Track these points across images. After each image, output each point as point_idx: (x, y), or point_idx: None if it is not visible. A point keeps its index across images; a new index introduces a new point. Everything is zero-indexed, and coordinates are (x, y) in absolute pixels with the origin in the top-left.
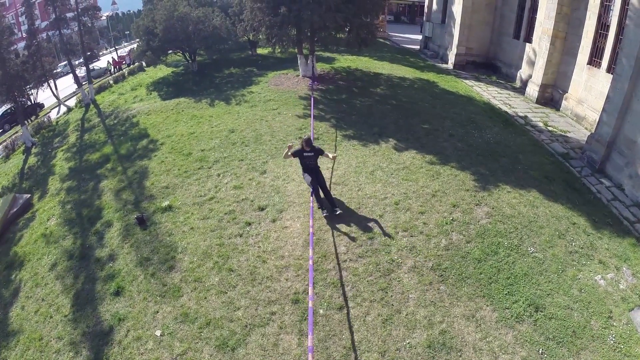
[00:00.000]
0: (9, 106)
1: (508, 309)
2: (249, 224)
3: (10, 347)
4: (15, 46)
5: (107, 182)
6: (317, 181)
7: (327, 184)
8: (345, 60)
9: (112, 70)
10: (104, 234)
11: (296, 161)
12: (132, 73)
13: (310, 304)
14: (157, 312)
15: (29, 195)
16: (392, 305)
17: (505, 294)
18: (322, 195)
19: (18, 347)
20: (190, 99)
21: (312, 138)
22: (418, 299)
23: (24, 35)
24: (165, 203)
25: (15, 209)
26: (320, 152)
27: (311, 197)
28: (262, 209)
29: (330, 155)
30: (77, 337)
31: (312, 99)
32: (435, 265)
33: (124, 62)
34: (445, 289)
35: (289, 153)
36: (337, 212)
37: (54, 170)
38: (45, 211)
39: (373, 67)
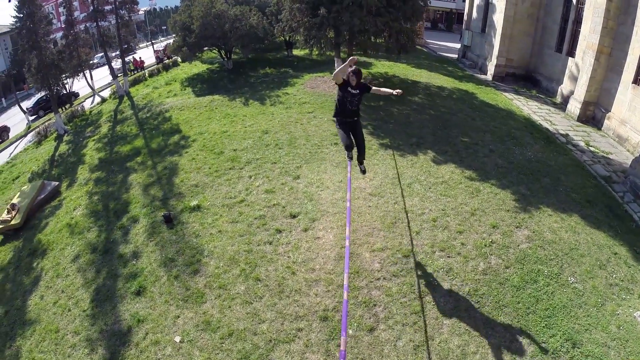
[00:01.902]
0: (44, 93)
1: (545, 343)
2: (280, 231)
3: (26, 336)
4: (54, 36)
5: (136, 176)
6: (353, 141)
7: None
8: (383, 66)
9: (133, 70)
10: (130, 229)
11: (331, 168)
12: (166, 68)
13: (345, 295)
14: (178, 317)
15: (58, 183)
16: (426, 330)
17: (543, 326)
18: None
19: (34, 336)
20: (224, 96)
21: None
22: (452, 325)
23: (63, 25)
24: (194, 202)
25: (43, 196)
26: (366, 90)
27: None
28: (293, 216)
29: (391, 91)
30: (94, 334)
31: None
32: (472, 290)
33: (160, 58)
34: (481, 316)
35: (340, 74)
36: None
37: (84, 160)
38: (72, 200)
39: (411, 75)
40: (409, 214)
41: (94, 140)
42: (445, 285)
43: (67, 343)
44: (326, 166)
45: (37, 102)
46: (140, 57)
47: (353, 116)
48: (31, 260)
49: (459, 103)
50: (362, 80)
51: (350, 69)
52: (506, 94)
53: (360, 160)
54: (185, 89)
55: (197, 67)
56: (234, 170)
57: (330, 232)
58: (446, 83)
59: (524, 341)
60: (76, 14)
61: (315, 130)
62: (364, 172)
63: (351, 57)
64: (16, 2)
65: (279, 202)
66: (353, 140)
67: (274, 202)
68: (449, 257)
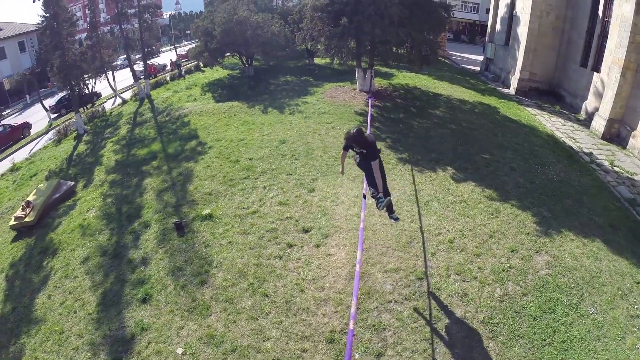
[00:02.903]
0: (67, 92)
1: None
2: (291, 246)
3: (31, 334)
4: (79, 36)
5: (151, 180)
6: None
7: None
8: (404, 77)
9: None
10: (140, 234)
11: (347, 182)
12: (188, 72)
13: (351, 325)
14: (182, 328)
15: (73, 183)
16: (435, 359)
17: None
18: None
19: (38, 336)
20: (243, 103)
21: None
22: (464, 356)
23: (88, 27)
24: (206, 211)
25: (58, 195)
26: (374, 155)
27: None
28: (306, 231)
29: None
30: (97, 339)
31: (369, 115)
32: (487, 318)
33: (177, 65)
34: (495, 347)
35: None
36: (394, 218)
37: (101, 161)
38: (86, 201)
39: (432, 87)
40: (425, 234)
41: (112, 141)
42: (459, 312)
43: (70, 345)
44: (342, 180)
45: (60, 101)
46: (153, 63)
47: (366, 158)
48: (42, 258)
49: (480, 117)
50: (366, 138)
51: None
52: (529, 109)
53: (390, 209)
54: (205, 94)
55: (218, 73)
56: (248, 180)
57: (342, 250)
58: (468, 96)
59: None
60: (103, 15)
61: (333, 142)
62: (395, 219)
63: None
64: (42, 2)
65: (292, 215)
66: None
67: (287, 215)
68: (464, 281)
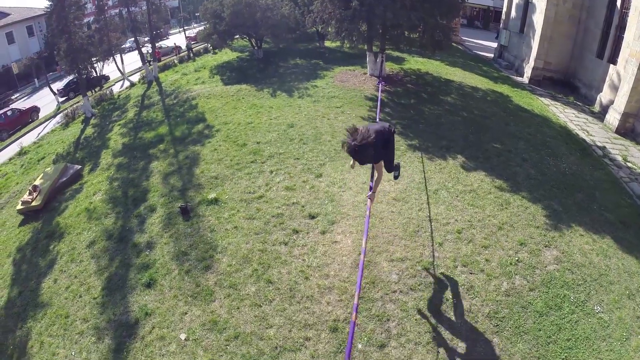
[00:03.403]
0: (75, 76)
1: None
2: (297, 232)
3: (37, 318)
4: (88, 20)
5: (158, 164)
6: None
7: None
8: (416, 62)
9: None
10: (146, 218)
11: (356, 167)
12: (197, 55)
13: (353, 317)
14: (186, 313)
15: (80, 166)
16: (438, 352)
17: (563, 358)
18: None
19: (44, 320)
20: (252, 86)
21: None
22: (467, 349)
23: (95, 10)
24: (212, 195)
25: (64, 178)
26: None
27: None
28: (312, 217)
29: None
30: (102, 323)
31: (379, 101)
32: (492, 312)
33: (178, 50)
34: (499, 342)
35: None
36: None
37: (108, 144)
38: (92, 185)
39: (444, 73)
40: (433, 223)
41: (119, 124)
42: (465, 305)
43: (75, 329)
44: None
45: (68, 84)
46: (162, 46)
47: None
48: (48, 242)
49: (493, 106)
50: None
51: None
52: (542, 99)
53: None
54: (213, 77)
55: (227, 55)
56: (255, 164)
57: (349, 237)
58: (480, 84)
59: None
60: None
61: (342, 127)
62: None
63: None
64: None
65: (298, 200)
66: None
67: (293, 200)
68: (471, 273)
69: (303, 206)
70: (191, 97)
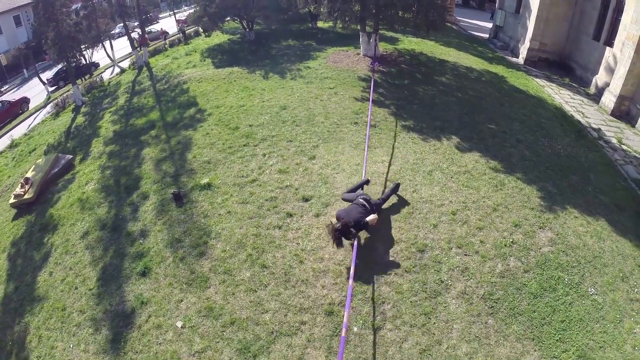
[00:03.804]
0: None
1: (556, 358)
2: (290, 215)
3: (35, 312)
4: (75, 6)
5: (149, 150)
6: None
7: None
8: (410, 43)
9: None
10: (139, 206)
11: (349, 149)
12: (188, 38)
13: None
14: (181, 301)
15: (71, 156)
16: (434, 334)
17: (557, 340)
18: None
19: (41, 314)
20: (243, 69)
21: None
22: (462, 331)
23: None
24: (205, 180)
25: (56, 169)
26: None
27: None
28: (306, 199)
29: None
30: (99, 314)
31: (372, 81)
32: (487, 294)
33: (162, 38)
34: (494, 323)
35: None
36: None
37: (99, 133)
38: (85, 174)
39: (439, 53)
40: (427, 204)
41: (110, 112)
42: (459, 286)
43: (73, 321)
44: (344, 147)
45: (57, 73)
46: (151, 30)
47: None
48: (42, 235)
49: (487, 86)
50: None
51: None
52: (538, 79)
53: None
54: (205, 60)
55: (218, 38)
56: (248, 147)
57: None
58: (475, 64)
59: (535, 354)
60: None
61: (335, 108)
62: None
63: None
64: None
65: (292, 183)
66: None
67: (286, 183)
68: (465, 255)
69: (297, 189)
70: (182, 82)
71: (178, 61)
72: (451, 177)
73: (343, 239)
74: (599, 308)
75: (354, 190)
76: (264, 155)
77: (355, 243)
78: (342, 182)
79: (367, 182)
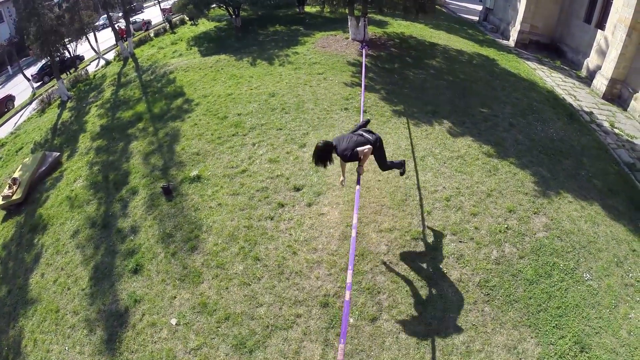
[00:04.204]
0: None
1: (553, 344)
2: (282, 205)
3: (28, 315)
4: (57, 0)
5: (137, 144)
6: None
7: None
8: (399, 26)
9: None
10: (129, 202)
11: (340, 134)
12: (174, 27)
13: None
14: (175, 297)
15: (58, 153)
16: (430, 323)
17: (553, 326)
18: None
19: (35, 316)
20: (230, 56)
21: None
22: (459, 319)
23: None
24: (194, 172)
25: (44, 168)
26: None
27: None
28: (297, 189)
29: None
30: (93, 315)
31: (363, 66)
32: (483, 281)
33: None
34: (490, 311)
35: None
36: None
37: (86, 128)
38: (72, 171)
39: (428, 36)
40: (421, 191)
41: (96, 105)
42: (455, 274)
43: (67, 323)
44: (335, 133)
45: (42, 68)
46: (136, 20)
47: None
48: (32, 236)
49: (478, 69)
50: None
51: None
52: (529, 62)
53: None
54: (191, 49)
55: (204, 25)
56: (237, 137)
57: (335, 209)
58: (466, 47)
59: (532, 341)
60: None
61: (324, 94)
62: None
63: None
64: None
65: (282, 172)
66: None
67: (277, 172)
68: (460, 242)
69: (288, 178)
70: (169, 71)
71: (164, 51)
72: (444, 163)
73: (324, 162)
74: (594, 294)
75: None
76: (254, 144)
77: (358, 187)
78: (333, 171)
79: (367, 122)
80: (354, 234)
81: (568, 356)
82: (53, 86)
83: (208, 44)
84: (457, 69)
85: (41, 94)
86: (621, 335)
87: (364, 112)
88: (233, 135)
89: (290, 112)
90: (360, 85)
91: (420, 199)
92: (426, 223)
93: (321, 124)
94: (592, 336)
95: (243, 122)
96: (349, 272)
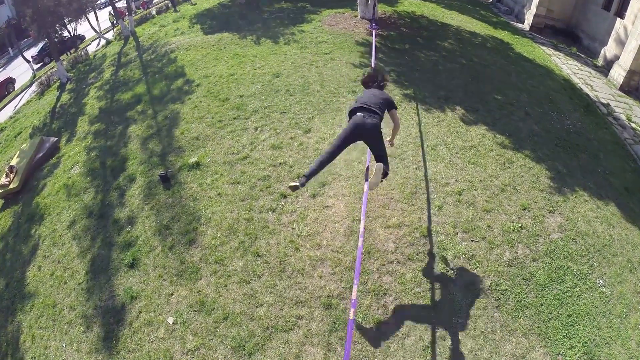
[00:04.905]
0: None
1: (562, 355)
2: (285, 196)
3: (26, 310)
4: None
5: (136, 127)
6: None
7: None
8: (410, 4)
9: (115, 22)
10: (126, 190)
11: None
12: (175, 5)
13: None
14: (172, 294)
15: (56, 138)
16: (437, 329)
17: (563, 335)
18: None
19: (33, 311)
20: (234, 34)
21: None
22: (467, 326)
23: None
24: (193, 159)
25: (41, 154)
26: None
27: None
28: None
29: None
30: (89, 310)
31: (373, 46)
32: (494, 284)
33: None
34: (500, 317)
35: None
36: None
37: (84, 110)
38: (70, 157)
39: (440, 16)
40: (431, 184)
41: (95, 87)
42: (465, 276)
43: (64, 319)
44: (341, 118)
45: (42, 49)
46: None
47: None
48: (29, 226)
49: (493, 53)
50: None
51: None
52: (544, 47)
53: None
54: (193, 27)
55: (207, 2)
56: (238, 121)
57: (341, 201)
58: (479, 29)
59: (541, 350)
60: None
61: (331, 75)
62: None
63: None
64: None
65: (286, 160)
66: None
67: (280, 160)
68: (472, 240)
69: (291, 166)
70: (170, 50)
71: (165, 29)
72: (456, 153)
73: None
74: (606, 301)
75: None
76: (256, 129)
77: (366, 192)
78: (340, 158)
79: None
80: (359, 254)
81: None
82: (52, 68)
83: (211, 22)
84: (471, 52)
85: (41, 76)
86: (630, 347)
87: None
88: (234, 118)
89: (295, 94)
90: (369, 66)
91: (429, 193)
92: (437, 219)
93: (327, 107)
94: (601, 347)
95: (245, 105)
96: (354, 287)
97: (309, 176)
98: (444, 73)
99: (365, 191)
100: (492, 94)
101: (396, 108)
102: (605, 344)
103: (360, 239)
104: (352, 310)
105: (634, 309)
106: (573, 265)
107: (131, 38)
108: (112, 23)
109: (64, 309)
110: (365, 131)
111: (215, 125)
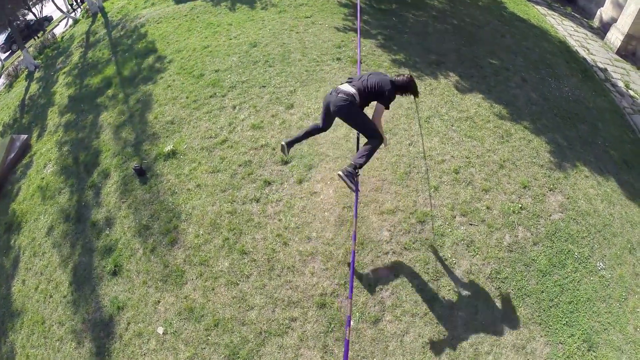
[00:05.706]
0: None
1: (562, 343)
2: (269, 183)
3: (16, 329)
4: None
5: (107, 115)
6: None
7: None
8: None
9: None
10: (101, 188)
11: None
12: None
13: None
14: (159, 302)
15: (27, 135)
16: (437, 324)
17: (564, 323)
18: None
19: (23, 329)
20: (207, 1)
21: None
22: (468, 318)
23: None
24: (169, 147)
25: (12, 154)
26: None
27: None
28: (285, 162)
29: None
30: (78, 325)
31: (358, 7)
32: (494, 272)
33: None
34: (501, 307)
35: None
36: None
37: (54, 100)
38: (42, 155)
39: None
40: (427, 161)
41: (64, 73)
42: (464, 265)
43: (55, 336)
44: (326, 89)
45: (9, 36)
46: None
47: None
48: (8, 237)
49: (485, 13)
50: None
51: None
52: (538, 7)
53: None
54: None
55: None
56: (215, 99)
57: (330, 186)
58: None
59: (542, 340)
60: None
61: (313, 41)
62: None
63: None
64: None
65: (268, 141)
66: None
67: (262, 141)
68: (471, 224)
69: (274, 149)
70: (139, 25)
71: (135, 1)
72: (452, 125)
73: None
74: (606, 285)
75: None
76: (234, 107)
77: (356, 198)
78: (326, 137)
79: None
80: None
81: (576, 356)
82: (20, 57)
83: None
84: (462, 11)
85: (7, 68)
86: (628, 332)
87: (361, 62)
88: (210, 96)
89: (275, 64)
90: (354, 30)
91: (427, 171)
92: (433, 202)
93: (310, 78)
94: (600, 333)
95: (221, 80)
96: (348, 299)
97: (290, 143)
98: (435, 35)
99: (356, 199)
100: (487, 58)
101: (387, 108)
102: (604, 329)
103: (352, 259)
104: (347, 329)
105: (632, 291)
106: (574, 248)
107: (99, 14)
108: (70, 5)
109: (53, 325)
110: (336, 111)
111: (191, 106)
